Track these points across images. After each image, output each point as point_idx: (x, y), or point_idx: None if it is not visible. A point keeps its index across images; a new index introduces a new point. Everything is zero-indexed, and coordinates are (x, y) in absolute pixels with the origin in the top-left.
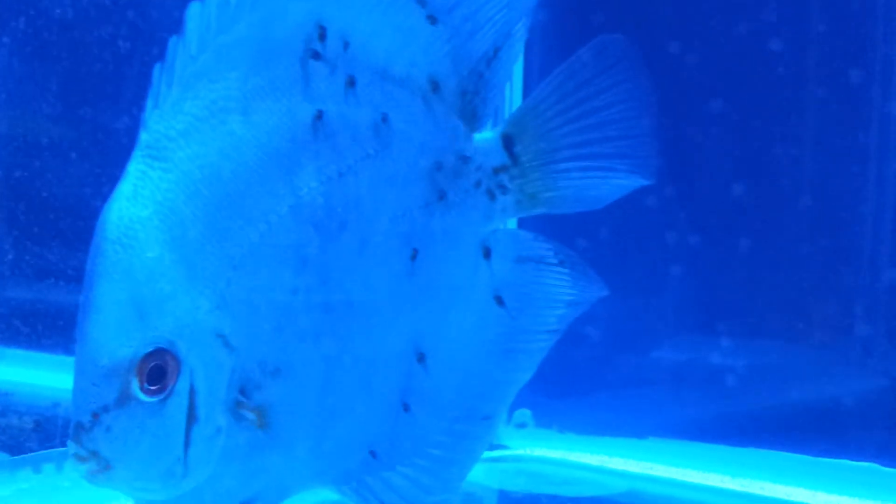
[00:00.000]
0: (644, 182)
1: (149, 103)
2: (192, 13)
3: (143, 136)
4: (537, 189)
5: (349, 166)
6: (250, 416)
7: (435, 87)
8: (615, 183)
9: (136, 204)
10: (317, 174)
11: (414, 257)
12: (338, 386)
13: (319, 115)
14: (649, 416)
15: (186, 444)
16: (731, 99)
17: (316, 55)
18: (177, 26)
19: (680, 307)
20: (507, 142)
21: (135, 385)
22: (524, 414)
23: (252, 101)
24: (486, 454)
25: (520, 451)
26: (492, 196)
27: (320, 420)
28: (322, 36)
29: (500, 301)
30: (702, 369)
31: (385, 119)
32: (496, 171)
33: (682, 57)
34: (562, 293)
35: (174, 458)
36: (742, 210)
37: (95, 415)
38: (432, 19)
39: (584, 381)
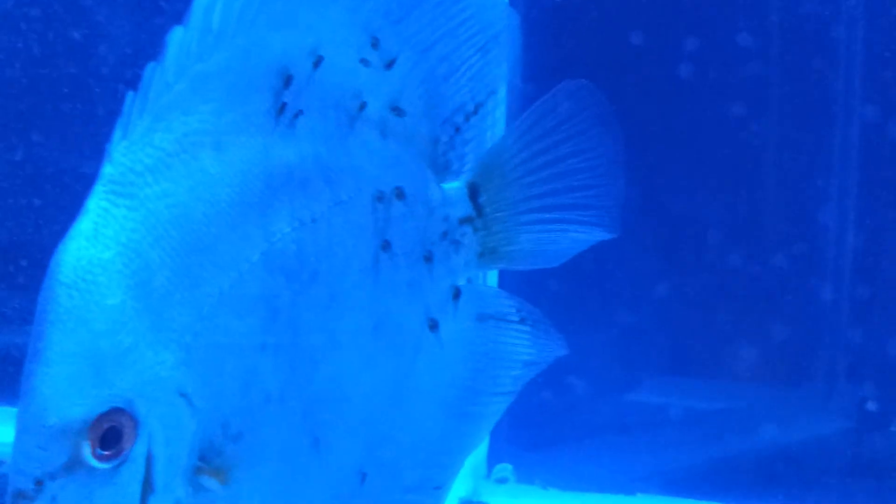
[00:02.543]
0: (606, 236)
1: (117, 133)
2: (174, 38)
3: (108, 169)
4: (499, 242)
5: (322, 212)
6: (210, 486)
7: (408, 132)
8: (574, 237)
9: (97, 244)
10: (290, 219)
11: (379, 314)
12: (299, 453)
13: (294, 156)
14: (634, 466)
15: None
16: (698, 139)
17: (294, 93)
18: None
19: (650, 350)
20: (473, 191)
21: (86, 449)
22: (505, 468)
23: (226, 137)
24: None
25: None
26: (457, 248)
27: (279, 492)
28: (302, 73)
29: (458, 361)
30: (677, 414)
31: (358, 163)
32: (461, 222)
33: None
34: (520, 353)
35: None
36: (709, 253)
37: (39, 482)
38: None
39: (565, 430)
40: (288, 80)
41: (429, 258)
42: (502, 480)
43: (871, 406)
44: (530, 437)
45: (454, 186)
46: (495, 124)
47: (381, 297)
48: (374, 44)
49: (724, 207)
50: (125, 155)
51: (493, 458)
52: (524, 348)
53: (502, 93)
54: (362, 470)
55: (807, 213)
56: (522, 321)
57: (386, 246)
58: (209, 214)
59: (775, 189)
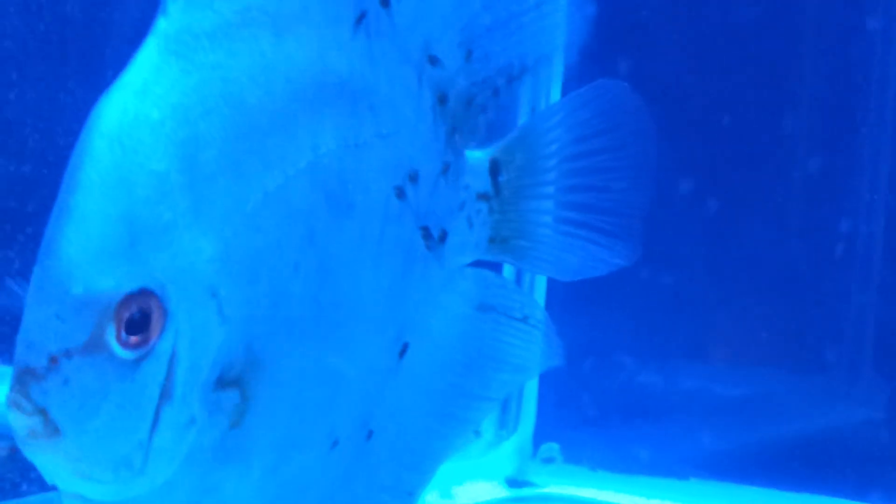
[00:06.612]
0: (624, 259)
1: None
2: None
3: (163, 24)
4: (512, 232)
5: (366, 140)
6: (227, 410)
7: (442, 83)
8: (592, 252)
9: (146, 101)
10: (335, 136)
11: (397, 274)
12: (311, 397)
13: (347, 70)
14: (686, 449)
15: (154, 426)
16: (732, 130)
17: (361, 6)
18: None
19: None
20: (494, 168)
21: (110, 332)
22: (552, 448)
23: (285, 25)
24: (510, 493)
25: (547, 490)
26: (470, 224)
27: (286, 438)
28: None
29: (452, 350)
30: (720, 398)
31: (398, 101)
32: (479, 197)
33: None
34: (514, 355)
35: (136, 443)
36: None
37: (54, 359)
38: None
39: (615, 410)
40: None
41: (444, 228)
42: (549, 460)
43: None
44: (578, 416)
45: (476, 157)
46: (543, 97)
47: (400, 255)
48: None
49: (753, 194)
50: (183, 12)
51: (540, 436)
52: (519, 350)
53: (559, 59)
54: (369, 427)
55: (834, 201)
56: (524, 320)
57: (402, 196)
58: (263, 102)
59: (803, 176)
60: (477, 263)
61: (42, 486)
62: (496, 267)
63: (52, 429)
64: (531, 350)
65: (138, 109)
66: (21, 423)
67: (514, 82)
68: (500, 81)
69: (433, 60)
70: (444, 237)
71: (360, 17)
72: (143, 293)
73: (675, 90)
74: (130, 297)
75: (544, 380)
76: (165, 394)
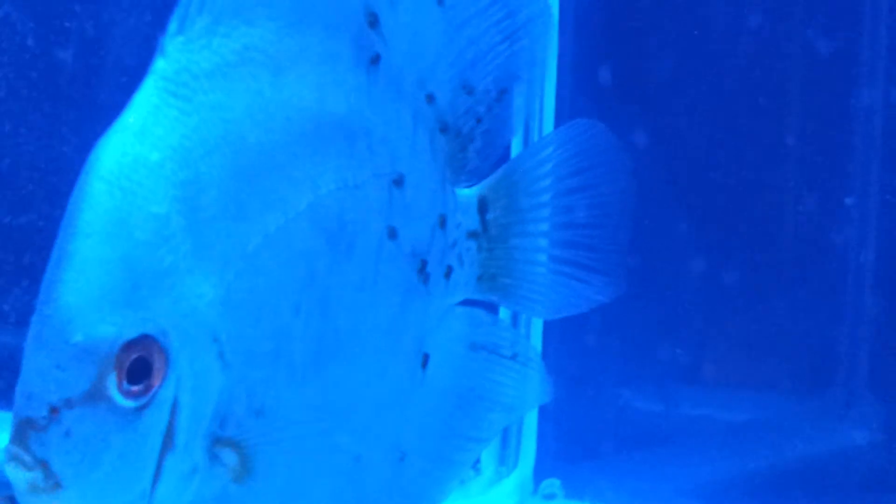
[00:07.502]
0: (608, 295)
1: (172, 25)
2: None
3: (161, 64)
4: (498, 269)
5: (364, 180)
6: (230, 460)
7: (435, 121)
8: (575, 288)
9: (145, 143)
10: (335, 176)
11: (395, 313)
12: (315, 444)
13: (345, 109)
14: (689, 479)
15: (157, 476)
16: (724, 152)
17: (358, 43)
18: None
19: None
20: (482, 205)
21: (111, 380)
22: (553, 484)
23: (283, 65)
24: None
25: None
26: (461, 262)
27: (292, 485)
28: (387, 16)
29: (443, 393)
30: (721, 425)
31: (393, 139)
32: (469, 235)
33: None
34: (504, 394)
35: (139, 493)
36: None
37: (54, 409)
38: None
39: (616, 443)
40: (374, 20)
41: (439, 266)
42: (550, 496)
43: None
44: (579, 451)
45: (465, 194)
46: (519, 115)
47: (400, 297)
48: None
49: (749, 219)
50: (181, 52)
51: (540, 472)
52: (510, 389)
53: (532, 78)
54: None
55: (827, 220)
56: (514, 357)
57: (394, 236)
58: (263, 142)
59: (798, 202)
60: (466, 303)
61: None
62: (492, 304)
63: (53, 482)
64: (521, 389)
65: (137, 151)
66: (21, 477)
67: (494, 107)
68: (481, 109)
69: (428, 98)
70: (440, 275)
71: (374, 59)
72: (145, 339)
73: (670, 113)
74: (131, 344)
75: (544, 414)
76: (168, 442)
